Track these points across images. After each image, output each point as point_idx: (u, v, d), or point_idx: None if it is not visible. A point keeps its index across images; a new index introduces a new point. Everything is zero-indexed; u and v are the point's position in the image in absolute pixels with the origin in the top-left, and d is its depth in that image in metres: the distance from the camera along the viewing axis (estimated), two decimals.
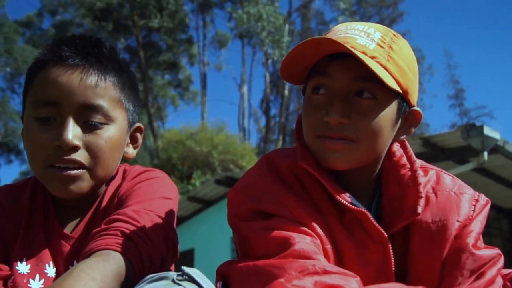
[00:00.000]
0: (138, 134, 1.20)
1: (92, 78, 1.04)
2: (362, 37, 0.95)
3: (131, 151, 1.18)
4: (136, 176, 1.14)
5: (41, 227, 1.11)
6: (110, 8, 21.57)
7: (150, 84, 22.13)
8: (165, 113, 25.85)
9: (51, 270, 1.06)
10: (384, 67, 0.93)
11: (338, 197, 0.96)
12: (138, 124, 1.19)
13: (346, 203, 0.95)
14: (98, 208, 1.12)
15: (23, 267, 1.05)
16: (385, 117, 0.95)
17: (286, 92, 25.27)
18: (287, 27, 21.78)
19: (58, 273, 1.06)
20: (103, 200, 1.12)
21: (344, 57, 0.93)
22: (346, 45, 0.90)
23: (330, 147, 0.94)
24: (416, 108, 1.02)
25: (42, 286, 1.04)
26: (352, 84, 0.94)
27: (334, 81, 0.95)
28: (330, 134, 0.94)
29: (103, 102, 1.04)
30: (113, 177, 1.17)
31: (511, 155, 5.93)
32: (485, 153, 5.47)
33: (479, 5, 50.20)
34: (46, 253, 1.08)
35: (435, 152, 5.97)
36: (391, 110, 0.96)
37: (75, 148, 1.02)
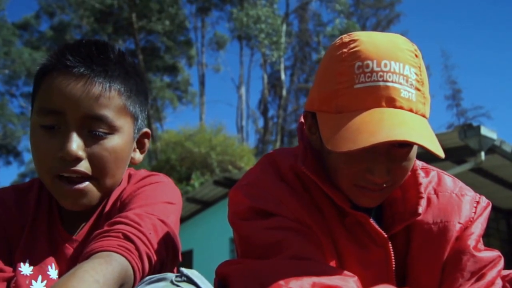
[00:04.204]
0: (146, 140, 1.19)
1: (97, 88, 1.03)
2: (403, 84, 0.89)
3: (137, 156, 1.17)
4: (139, 180, 1.14)
5: (45, 229, 1.11)
6: (109, 10, 21.53)
7: (149, 86, 22.06)
8: (164, 115, 25.84)
9: (53, 272, 1.07)
10: (424, 116, 0.92)
11: (338, 201, 0.96)
12: (145, 130, 1.18)
13: (346, 208, 0.96)
14: (102, 212, 1.12)
15: (25, 268, 1.05)
16: (414, 156, 0.96)
17: (284, 93, 25.26)
18: (284, 28, 21.77)
19: (61, 276, 1.06)
20: (107, 203, 1.12)
21: None
22: (393, 105, 0.88)
23: (370, 196, 0.94)
24: None
25: (44, 287, 1.04)
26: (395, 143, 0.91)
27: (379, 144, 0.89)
28: (372, 187, 0.94)
29: (107, 112, 1.04)
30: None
31: (508, 155, 5.94)
32: (482, 153, 5.48)
33: (476, 6, 50.31)
34: (49, 255, 1.08)
35: None
36: (416, 149, 0.96)
37: (79, 159, 1.02)
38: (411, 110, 0.89)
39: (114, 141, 1.05)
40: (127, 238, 0.93)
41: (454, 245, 0.98)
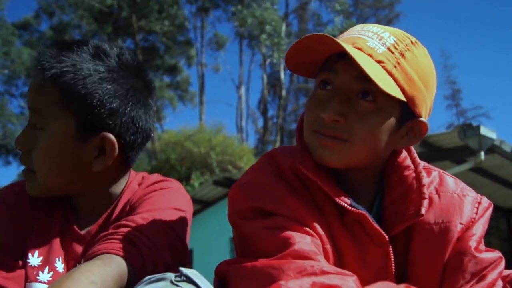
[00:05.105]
0: (108, 146, 1.08)
1: (38, 83, 1.07)
2: (373, 39, 0.93)
3: (96, 164, 1.08)
4: (150, 185, 1.15)
5: (58, 224, 1.13)
6: (109, 10, 21.53)
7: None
8: (163, 115, 25.81)
9: (60, 265, 1.08)
10: (390, 73, 0.91)
11: (336, 199, 0.95)
12: (103, 134, 1.07)
13: (345, 204, 0.95)
14: (112, 213, 1.13)
15: (34, 260, 1.07)
16: (383, 123, 0.93)
17: (284, 93, 25.25)
18: (283, 28, 21.78)
19: (66, 271, 1.08)
20: (117, 205, 1.13)
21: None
22: (353, 46, 0.90)
23: (322, 143, 0.94)
24: (422, 119, 0.98)
25: (50, 278, 1.06)
26: (355, 83, 0.92)
27: (339, 78, 0.94)
28: (323, 131, 0.93)
29: (39, 107, 1.07)
30: (127, 184, 1.18)
31: (508, 154, 5.96)
32: (482, 153, 5.49)
33: (476, 6, 50.32)
34: (58, 248, 1.10)
35: (432, 152, 5.98)
36: (390, 116, 0.94)
37: (25, 152, 1.10)
38: (370, 55, 0.91)
39: (44, 137, 1.07)
40: (130, 241, 0.94)
41: (455, 246, 0.98)
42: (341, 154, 0.94)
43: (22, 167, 1.13)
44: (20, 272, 1.05)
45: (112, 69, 1.09)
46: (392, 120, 0.95)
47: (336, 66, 0.94)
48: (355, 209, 0.95)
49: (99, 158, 1.09)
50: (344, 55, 0.92)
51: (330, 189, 0.96)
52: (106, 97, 1.06)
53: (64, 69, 1.04)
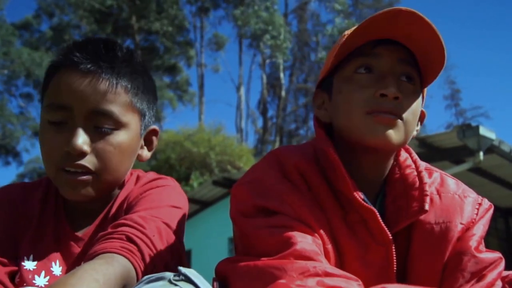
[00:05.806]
0: (154, 137, 1.20)
1: (103, 84, 1.04)
2: None
3: (145, 154, 1.18)
4: (146, 183, 1.15)
5: (51, 227, 1.12)
6: (108, 11, 21.53)
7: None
8: (163, 115, 25.80)
9: (57, 269, 1.08)
10: None
11: (352, 190, 0.95)
12: (153, 127, 1.19)
13: (359, 199, 0.95)
14: (108, 212, 1.13)
15: (29, 264, 1.07)
16: (418, 104, 1.00)
17: (283, 93, 25.26)
18: (283, 28, 21.79)
19: (66, 273, 1.06)
20: (114, 204, 1.13)
21: (388, 43, 0.98)
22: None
23: (384, 121, 0.94)
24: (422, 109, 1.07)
25: (47, 283, 1.06)
26: (398, 66, 0.97)
27: (380, 61, 0.98)
28: (384, 108, 0.94)
29: (113, 108, 1.04)
30: (125, 183, 1.17)
31: (507, 154, 5.96)
32: (481, 153, 5.50)
33: (476, 6, 50.34)
34: (53, 251, 1.09)
35: (431, 152, 5.99)
36: (420, 99, 1.01)
37: (84, 154, 1.03)
38: None
39: (119, 137, 1.06)
40: (130, 240, 0.94)
41: (455, 246, 0.98)
42: (400, 132, 0.96)
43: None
44: (7, 270, 1.05)
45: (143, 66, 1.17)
46: (420, 103, 1.01)
47: (377, 51, 0.98)
48: (366, 205, 0.96)
49: (144, 149, 1.18)
50: (382, 41, 0.97)
51: (350, 181, 0.96)
52: (155, 94, 1.20)
53: (131, 72, 1.10)
